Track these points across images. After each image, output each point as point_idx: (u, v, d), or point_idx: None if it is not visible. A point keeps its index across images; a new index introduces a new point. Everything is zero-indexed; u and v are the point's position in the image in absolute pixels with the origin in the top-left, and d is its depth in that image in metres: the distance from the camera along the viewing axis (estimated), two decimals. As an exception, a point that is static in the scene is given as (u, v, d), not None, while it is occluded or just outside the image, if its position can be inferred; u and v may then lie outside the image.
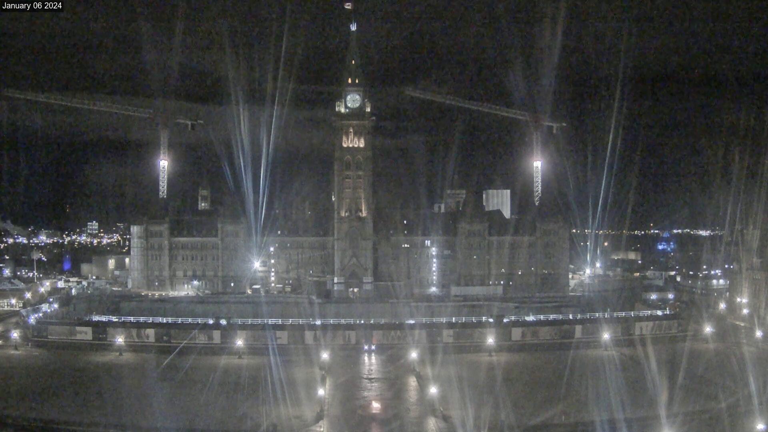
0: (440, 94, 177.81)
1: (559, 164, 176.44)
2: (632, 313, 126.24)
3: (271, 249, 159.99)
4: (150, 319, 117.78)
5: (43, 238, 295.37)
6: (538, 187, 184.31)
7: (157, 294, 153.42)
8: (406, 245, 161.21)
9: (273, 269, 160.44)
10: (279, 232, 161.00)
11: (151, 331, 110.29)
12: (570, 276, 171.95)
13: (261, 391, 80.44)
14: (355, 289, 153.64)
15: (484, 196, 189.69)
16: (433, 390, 78.78)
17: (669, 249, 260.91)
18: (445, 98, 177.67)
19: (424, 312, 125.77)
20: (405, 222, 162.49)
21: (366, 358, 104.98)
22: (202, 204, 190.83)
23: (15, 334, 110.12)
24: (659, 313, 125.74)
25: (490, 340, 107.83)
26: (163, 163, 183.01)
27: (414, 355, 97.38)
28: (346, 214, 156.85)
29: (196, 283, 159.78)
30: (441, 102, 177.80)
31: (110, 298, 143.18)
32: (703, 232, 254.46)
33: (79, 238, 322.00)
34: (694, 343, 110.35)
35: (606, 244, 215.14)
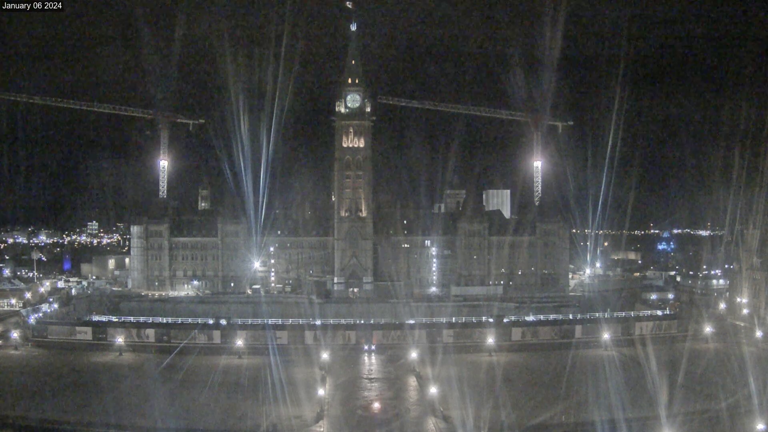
0: (416, 100, 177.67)
1: (559, 164, 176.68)
2: (632, 313, 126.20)
3: (271, 249, 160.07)
4: (150, 319, 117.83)
5: (43, 238, 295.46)
6: (538, 187, 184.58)
7: (157, 294, 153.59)
8: (406, 245, 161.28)
9: (273, 269, 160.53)
10: (279, 232, 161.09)
11: (151, 331, 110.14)
12: (570, 276, 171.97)
13: (261, 391, 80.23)
14: (355, 289, 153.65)
15: (484, 196, 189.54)
16: (433, 390, 78.71)
17: (669, 249, 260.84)
18: (421, 104, 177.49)
19: (424, 312, 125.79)
20: (405, 222, 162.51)
21: (366, 358, 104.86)
22: (202, 204, 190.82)
23: (15, 334, 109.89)
24: (659, 313, 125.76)
25: (490, 340, 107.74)
26: (163, 163, 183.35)
27: (414, 355, 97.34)
28: (346, 214, 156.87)
29: (196, 283, 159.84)
30: (419, 107, 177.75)
31: (110, 298, 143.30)
32: (703, 232, 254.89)
33: (79, 238, 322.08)
34: (694, 343, 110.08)
35: (606, 244, 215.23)
